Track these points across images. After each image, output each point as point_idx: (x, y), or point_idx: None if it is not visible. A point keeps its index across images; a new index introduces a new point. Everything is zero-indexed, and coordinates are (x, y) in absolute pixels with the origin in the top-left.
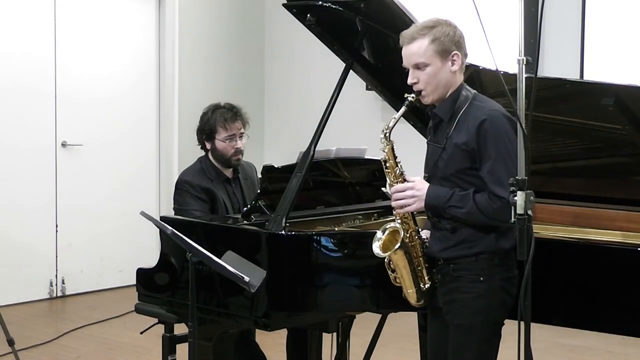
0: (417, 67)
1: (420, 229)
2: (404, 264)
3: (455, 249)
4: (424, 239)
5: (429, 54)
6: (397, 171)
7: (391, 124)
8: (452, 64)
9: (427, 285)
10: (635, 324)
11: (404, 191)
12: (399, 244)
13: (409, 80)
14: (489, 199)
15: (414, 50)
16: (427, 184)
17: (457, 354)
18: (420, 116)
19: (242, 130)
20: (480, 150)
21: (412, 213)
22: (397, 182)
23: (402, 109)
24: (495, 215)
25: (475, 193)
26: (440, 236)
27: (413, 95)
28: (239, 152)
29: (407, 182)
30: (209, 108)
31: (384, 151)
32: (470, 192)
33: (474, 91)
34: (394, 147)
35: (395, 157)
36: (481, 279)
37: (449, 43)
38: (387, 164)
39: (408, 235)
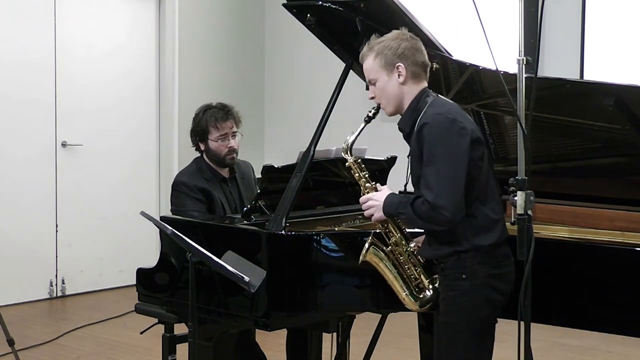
0: (371, 82)
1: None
2: (383, 268)
3: (439, 249)
4: (414, 244)
5: (375, 69)
6: (364, 182)
7: (350, 140)
8: (399, 76)
9: (429, 292)
10: (635, 324)
11: (367, 202)
12: (366, 248)
13: (368, 96)
14: (421, 203)
15: (365, 67)
16: (387, 193)
17: (445, 352)
18: None
19: (235, 129)
20: (422, 155)
21: (394, 220)
22: (366, 192)
23: (362, 124)
24: (426, 218)
25: (416, 198)
26: (428, 238)
27: (372, 110)
28: (232, 151)
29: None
30: (200, 109)
31: (349, 166)
32: (411, 198)
33: (435, 96)
34: (358, 160)
35: (361, 170)
36: (463, 276)
37: (392, 56)
38: (355, 177)
39: (393, 241)
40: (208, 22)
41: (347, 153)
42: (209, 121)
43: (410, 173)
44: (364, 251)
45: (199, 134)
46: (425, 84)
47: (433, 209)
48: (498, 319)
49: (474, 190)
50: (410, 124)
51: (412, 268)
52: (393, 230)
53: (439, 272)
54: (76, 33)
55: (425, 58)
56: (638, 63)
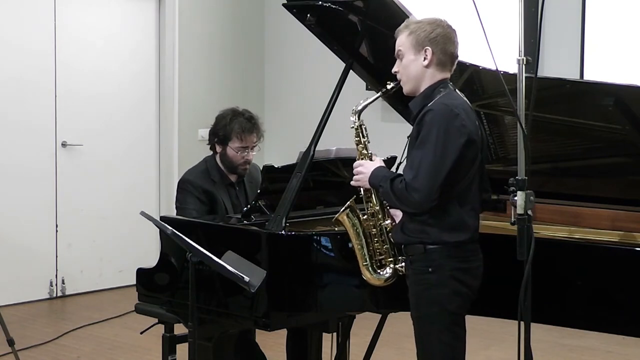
0: (398, 56)
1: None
2: (352, 234)
3: (409, 236)
4: (389, 222)
5: (405, 46)
6: (362, 149)
7: (362, 105)
8: (424, 59)
9: (389, 270)
10: (635, 324)
11: (357, 167)
12: (342, 209)
13: (393, 69)
14: (399, 181)
15: (398, 42)
16: (377, 165)
17: (420, 345)
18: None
19: (256, 143)
20: (418, 138)
21: (377, 192)
22: (361, 159)
23: (378, 94)
24: (399, 195)
25: (398, 176)
26: (402, 222)
27: (392, 83)
28: (247, 162)
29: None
30: (227, 113)
31: (352, 127)
32: (395, 174)
33: (451, 89)
34: (363, 126)
35: (362, 136)
36: (430, 269)
37: (423, 38)
38: (355, 141)
39: (370, 212)
40: (208, 22)
41: (354, 116)
42: (235, 130)
43: (407, 156)
44: (340, 212)
45: (219, 137)
46: (448, 75)
47: (407, 189)
48: (497, 319)
49: (454, 189)
50: (419, 108)
51: (381, 243)
52: (374, 202)
53: (407, 266)
54: (76, 32)
55: (455, 50)
56: (638, 63)
